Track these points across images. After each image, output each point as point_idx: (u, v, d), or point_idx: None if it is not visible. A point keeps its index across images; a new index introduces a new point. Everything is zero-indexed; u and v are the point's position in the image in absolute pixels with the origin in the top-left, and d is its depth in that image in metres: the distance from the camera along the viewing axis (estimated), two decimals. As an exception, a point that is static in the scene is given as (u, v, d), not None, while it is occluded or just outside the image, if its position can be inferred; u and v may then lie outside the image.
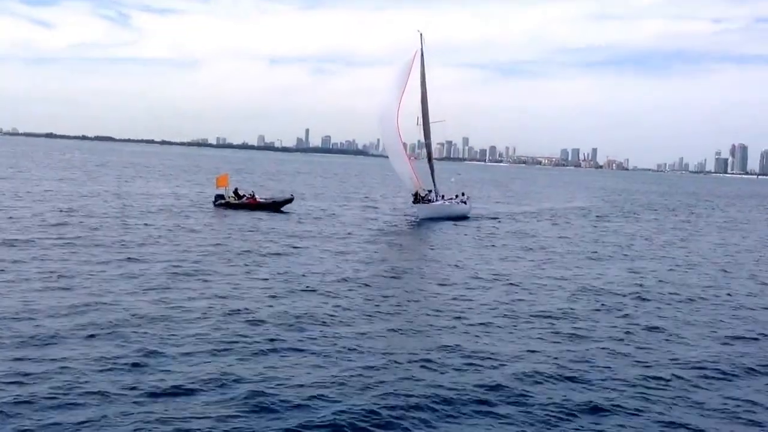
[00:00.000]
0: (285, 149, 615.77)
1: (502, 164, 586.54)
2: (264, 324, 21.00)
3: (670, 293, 28.93)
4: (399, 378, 16.86)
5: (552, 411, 15.38)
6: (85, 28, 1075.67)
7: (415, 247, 43.05)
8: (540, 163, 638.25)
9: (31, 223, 40.17)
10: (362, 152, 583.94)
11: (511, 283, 29.45)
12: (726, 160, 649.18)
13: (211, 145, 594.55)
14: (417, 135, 59.72)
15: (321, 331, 20.63)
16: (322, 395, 15.52)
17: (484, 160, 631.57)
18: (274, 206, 56.03)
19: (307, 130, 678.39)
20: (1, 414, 13.90)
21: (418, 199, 55.08)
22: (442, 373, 17.40)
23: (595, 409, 15.60)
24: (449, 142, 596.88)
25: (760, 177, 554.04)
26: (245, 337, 19.57)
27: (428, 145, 60.87)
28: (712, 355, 20.06)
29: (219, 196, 56.27)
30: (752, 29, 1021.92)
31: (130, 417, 13.97)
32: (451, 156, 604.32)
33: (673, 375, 18.14)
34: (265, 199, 58.29)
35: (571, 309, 25.11)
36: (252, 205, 55.10)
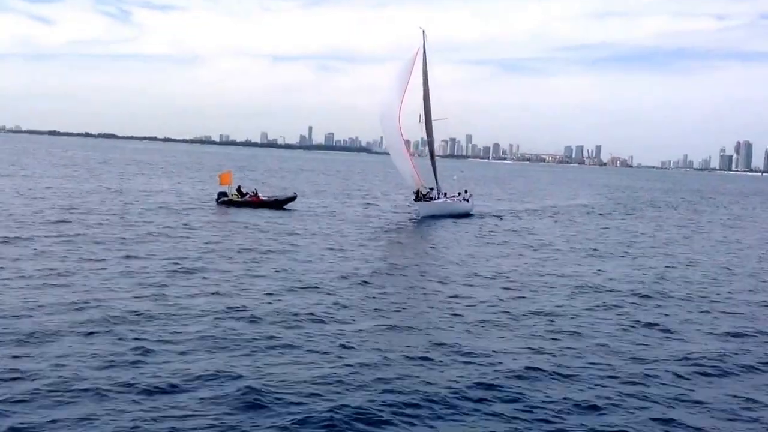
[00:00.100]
0: (288, 146, 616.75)
1: (505, 162, 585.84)
2: (262, 321, 20.97)
3: (671, 291, 28.85)
4: (398, 375, 16.81)
5: (552, 408, 15.33)
6: (86, 25, 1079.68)
7: (416, 244, 43.00)
8: (544, 160, 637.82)
9: (32, 220, 40.20)
10: (365, 150, 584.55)
11: (511, 281, 29.39)
12: (730, 157, 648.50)
13: (214, 143, 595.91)
14: (419, 132, 59.65)
15: (320, 328, 20.60)
16: (320, 392, 15.48)
17: (488, 158, 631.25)
18: (277, 204, 56.03)
19: (310, 128, 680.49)
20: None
21: (419, 197, 54.88)
22: (440, 371, 17.35)
23: (594, 407, 15.54)
24: (452, 140, 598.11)
25: (764, 174, 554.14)
26: (243, 334, 19.53)
27: (430, 143, 60.75)
28: (712, 353, 19.97)
29: (222, 194, 56.28)
30: (756, 26, 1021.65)
31: (127, 414, 13.94)
32: (455, 153, 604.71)
33: (673, 372, 18.09)
34: (268, 197, 58.28)
35: (572, 306, 25.06)
36: (255, 203, 55.13)
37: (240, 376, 16.17)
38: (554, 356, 18.94)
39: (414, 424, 14.32)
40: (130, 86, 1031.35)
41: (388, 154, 59.27)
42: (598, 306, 25.35)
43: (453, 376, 17.00)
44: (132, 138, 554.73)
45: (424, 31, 57.56)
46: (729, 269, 35.80)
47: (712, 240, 50.20)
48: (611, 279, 30.98)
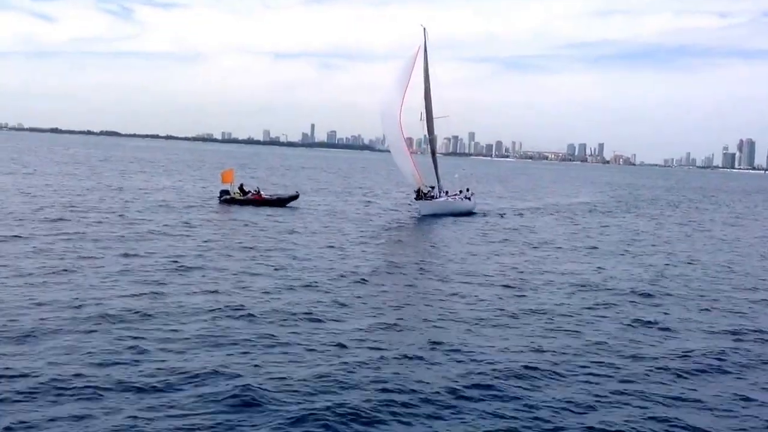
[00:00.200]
0: (290, 144, 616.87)
1: (508, 159, 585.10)
2: (261, 319, 20.96)
3: (671, 289, 28.82)
4: (397, 374, 16.79)
5: (551, 407, 15.32)
6: (88, 22, 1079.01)
7: (416, 242, 42.99)
8: (546, 158, 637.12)
9: (32, 218, 40.22)
10: (368, 147, 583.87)
11: (512, 279, 29.36)
12: (733, 155, 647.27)
13: (216, 140, 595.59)
14: (421, 130, 59.53)
15: (319, 327, 20.59)
16: (318, 391, 15.48)
17: (491, 156, 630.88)
18: (279, 203, 56.00)
19: (313, 125, 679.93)
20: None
21: (420, 195, 54.64)
22: (440, 370, 17.34)
23: (593, 405, 15.56)
24: (455, 138, 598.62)
25: (767, 172, 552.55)
26: (241, 332, 19.53)
27: (431, 141, 60.67)
28: (711, 351, 19.95)
29: (224, 192, 56.23)
30: (759, 23, 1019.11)
31: (124, 412, 13.94)
32: (457, 151, 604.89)
33: (672, 370, 18.09)
34: (270, 195, 58.23)
35: (572, 305, 25.05)
36: (257, 201, 55.08)
37: (237, 375, 16.15)
38: (554, 355, 18.90)
39: (413, 424, 14.29)
40: (132, 84, 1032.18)
41: (390, 152, 59.18)
42: (597, 304, 25.32)
43: (452, 374, 16.97)
44: (134, 136, 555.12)
45: (425, 29, 57.55)
46: (729, 267, 35.72)
47: (713, 238, 50.12)
48: (611, 277, 30.92)
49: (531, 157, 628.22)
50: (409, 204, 60.18)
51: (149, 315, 20.72)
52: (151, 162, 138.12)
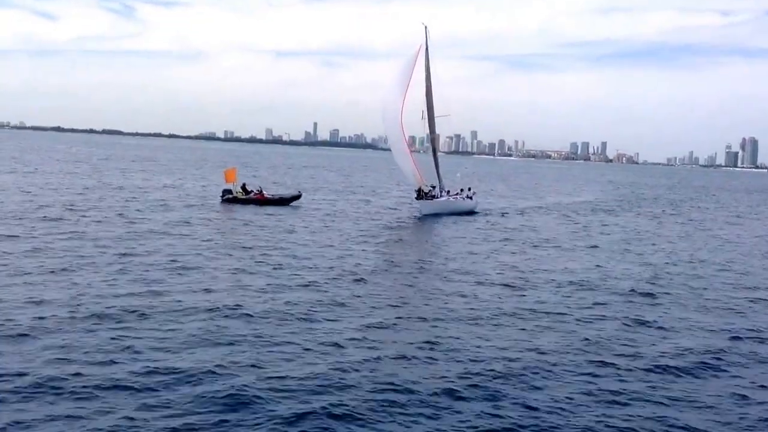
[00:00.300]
0: (293, 143, 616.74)
1: (511, 158, 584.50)
2: (259, 319, 20.98)
3: (670, 288, 28.82)
4: (396, 373, 16.79)
5: (550, 406, 15.36)
6: (90, 21, 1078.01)
7: (416, 242, 43.00)
8: (549, 156, 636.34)
9: (32, 217, 40.23)
10: (371, 146, 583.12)
11: (511, 278, 29.34)
12: (736, 153, 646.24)
13: (219, 139, 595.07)
14: (423, 129, 59.39)
15: (317, 326, 20.59)
16: (316, 390, 15.51)
17: (493, 154, 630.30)
18: (282, 202, 55.95)
19: (315, 124, 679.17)
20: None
21: (421, 195, 54.35)
22: (438, 369, 17.34)
23: (592, 404, 15.58)
24: (457, 136, 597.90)
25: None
26: (239, 331, 19.55)
27: (433, 140, 60.57)
28: (710, 351, 19.98)
29: (226, 191, 56.09)
30: (761, 21, 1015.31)
31: (121, 411, 13.95)
32: (460, 150, 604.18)
33: (670, 369, 18.14)
34: (272, 195, 58.14)
35: (571, 304, 25.04)
36: (259, 200, 55.01)
37: (235, 374, 16.16)
38: (553, 354, 18.91)
39: (412, 423, 14.28)
40: (134, 82, 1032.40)
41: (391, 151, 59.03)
42: (597, 303, 25.34)
43: (452, 374, 16.98)
44: (137, 134, 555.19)
45: (426, 27, 57.28)
46: (730, 267, 35.71)
47: (714, 237, 50.08)
48: (612, 276, 30.93)
49: (534, 156, 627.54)
50: (410, 204, 60.00)
51: (147, 314, 20.71)
52: (153, 161, 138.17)
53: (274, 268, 28.95)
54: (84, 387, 14.98)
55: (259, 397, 14.90)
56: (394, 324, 21.27)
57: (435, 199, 55.10)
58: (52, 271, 25.87)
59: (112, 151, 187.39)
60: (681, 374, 17.92)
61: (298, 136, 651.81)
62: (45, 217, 40.64)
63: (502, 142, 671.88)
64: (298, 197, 57.97)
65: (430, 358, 18.18)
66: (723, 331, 22.40)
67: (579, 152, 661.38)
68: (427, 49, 57.25)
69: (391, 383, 16.09)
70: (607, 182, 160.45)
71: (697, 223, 62.21)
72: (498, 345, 19.54)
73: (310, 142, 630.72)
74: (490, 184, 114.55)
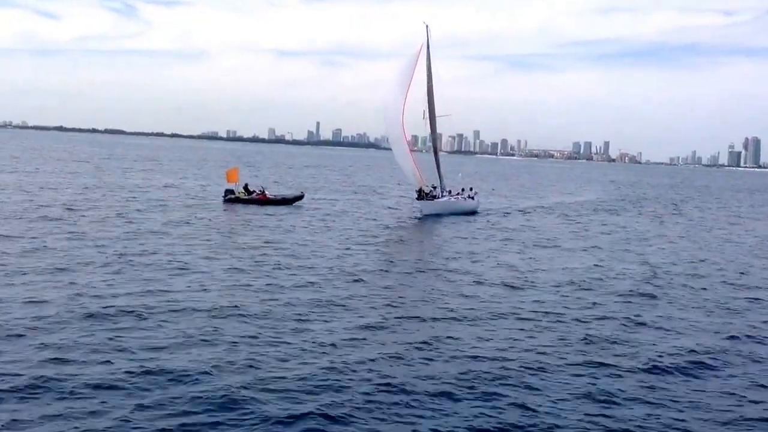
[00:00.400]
0: (296, 142, 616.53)
1: (514, 158, 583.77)
2: (258, 318, 21.00)
3: (669, 288, 28.83)
4: (394, 373, 16.80)
5: (550, 405, 15.39)
6: (92, 20, 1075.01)
7: (416, 242, 43.02)
8: (552, 156, 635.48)
9: (32, 217, 40.30)
10: (373, 145, 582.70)
11: (511, 278, 29.33)
12: (739, 153, 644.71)
13: (221, 138, 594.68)
14: (425, 129, 59.30)
15: (316, 326, 20.58)
16: (313, 390, 15.51)
17: (496, 154, 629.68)
18: (284, 203, 55.86)
19: (318, 123, 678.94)
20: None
21: (422, 195, 54.18)
22: (436, 368, 17.36)
23: (591, 403, 15.65)
24: (460, 136, 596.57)
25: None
26: (237, 331, 19.58)
27: (434, 139, 60.47)
28: (711, 351, 19.98)
29: (229, 191, 56.05)
30: (763, 21, 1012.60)
31: (115, 411, 13.94)
32: (462, 149, 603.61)
33: (669, 369, 18.13)
34: (275, 195, 58.08)
35: (571, 304, 25.04)
36: (262, 201, 54.94)
37: (232, 374, 16.19)
38: (552, 354, 18.93)
39: (410, 423, 14.27)
40: (136, 82, 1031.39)
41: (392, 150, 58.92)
42: (597, 303, 25.35)
43: (450, 373, 16.98)
44: (139, 134, 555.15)
45: (427, 27, 57.13)
46: (730, 267, 35.63)
47: (715, 237, 50.04)
48: (612, 276, 30.93)
49: (537, 156, 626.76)
50: (411, 204, 59.89)
51: (146, 314, 20.71)
52: (155, 160, 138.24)
53: (274, 268, 28.95)
54: (81, 387, 14.98)
55: (256, 398, 14.89)
56: (393, 324, 21.26)
57: (436, 200, 54.93)
58: (52, 271, 25.87)
59: (115, 150, 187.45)
60: (681, 374, 17.92)
61: (301, 136, 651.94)
62: (45, 216, 40.72)
63: (504, 142, 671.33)
64: (300, 198, 57.92)
65: (429, 358, 18.16)
66: (723, 331, 22.37)
67: (582, 152, 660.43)
68: (428, 48, 57.18)
69: (390, 384, 16.07)
70: (609, 182, 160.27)
71: (698, 223, 62.17)
72: (497, 345, 19.52)
73: (313, 141, 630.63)
74: (493, 184, 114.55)
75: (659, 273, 32.26)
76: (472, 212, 57.05)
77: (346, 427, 13.96)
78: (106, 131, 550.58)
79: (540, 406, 15.29)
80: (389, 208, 61.51)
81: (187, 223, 41.86)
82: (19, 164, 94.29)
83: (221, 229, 40.31)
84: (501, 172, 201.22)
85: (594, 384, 16.78)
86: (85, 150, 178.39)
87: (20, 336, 18.16)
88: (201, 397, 14.77)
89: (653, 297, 26.94)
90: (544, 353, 18.94)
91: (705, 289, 29.22)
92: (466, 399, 15.54)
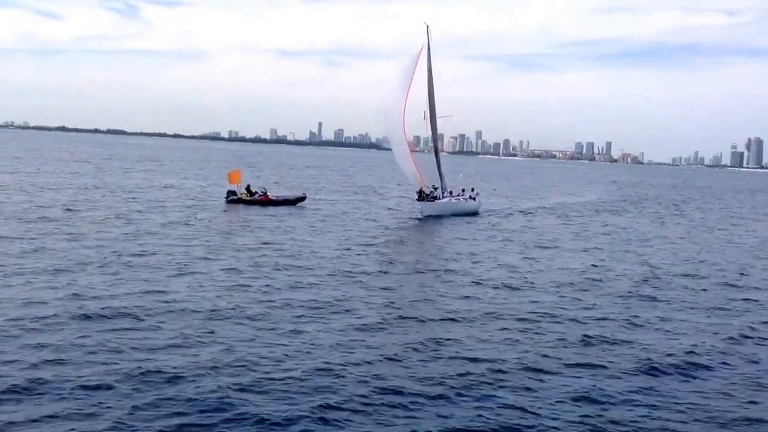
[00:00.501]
0: (298, 143, 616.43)
1: (516, 158, 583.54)
2: (257, 318, 21.02)
3: (671, 289, 28.80)
4: (392, 373, 16.82)
5: (549, 405, 15.43)
6: (93, 20, 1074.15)
7: (416, 242, 43.09)
8: (554, 156, 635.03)
9: (33, 217, 40.31)
10: (375, 146, 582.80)
11: (511, 279, 29.33)
12: (742, 153, 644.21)
13: (223, 139, 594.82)
14: (426, 129, 59.15)
15: (315, 326, 20.58)
16: (309, 389, 15.54)
17: (498, 154, 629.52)
18: (286, 204, 55.82)
19: (320, 124, 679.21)
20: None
21: (422, 196, 53.90)
22: (435, 368, 17.37)
23: (589, 403, 15.68)
24: (462, 136, 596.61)
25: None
26: (236, 331, 19.62)
27: (435, 140, 60.35)
28: (710, 350, 20.01)
29: (231, 193, 56.00)
30: (765, 21, 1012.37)
31: (112, 411, 13.94)
32: (465, 150, 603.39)
33: (669, 369, 18.19)
34: (277, 196, 58.04)
35: (571, 304, 25.05)
36: (264, 202, 54.90)
37: (231, 374, 16.20)
38: (552, 354, 18.94)
39: (411, 424, 14.27)
40: (137, 82, 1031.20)
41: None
42: (597, 304, 25.35)
43: (448, 374, 16.97)
44: (141, 134, 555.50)
45: (428, 27, 56.95)
46: (730, 268, 35.59)
47: (716, 238, 50.02)
48: (612, 277, 30.90)
49: (539, 156, 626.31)
50: (412, 204, 59.76)
51: (144, 315, 20.71)
52: (156, 161, 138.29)
53: (273, 269, 28.97)
54: (78, 388, 14.97)
55: (254, 399, 14.90)
56: (392, 325, 21.25)
57: (437, 201, 54.71)
58: (51, 272, 25.86)
59: (116, 150, 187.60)
60: (680, 375, 17.92)
61: (303, 136, 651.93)
62: (45, 216, 40.76)
63: (507, 142, 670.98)
64: (302, 199, 57.91)
65: (428, 359, 18.16)
66: (722, 332, 22.34)
67: (584, 152, 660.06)
68: (429, 49, 57.04)
69: (388, 385, 16.06)
70: (610, 182, 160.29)
71: (698, 223, 62.13)
72: (497, 346, 19.53)
73: (315, 142, 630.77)
74: (494, 185, 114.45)
75: (659, 274, 32.24)
76: (474, 213, 56.87)
77: (345, 429, 13.93)
78: (108, 132, 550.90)
79: (540, 407, 15.27)
80: (390, 208, 61.47)
81: (188, 224, 41.85)
82: (20, 165, 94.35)
83: (222, 230, 40.33)
84: (503, 172, 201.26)
85: (594, 385, 16.75)
86: (87, 150, 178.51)
87: (18, 336, 18.16)
88: (198, 399, 14.75)
89: (653, 298, 26.91)
90: (543, 354, 18.93)
91: (705, 290, 29.20)
92: (466, 400, 15.52)
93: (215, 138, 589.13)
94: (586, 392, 16.25)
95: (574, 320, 22.79)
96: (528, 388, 16.37)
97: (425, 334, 20.41)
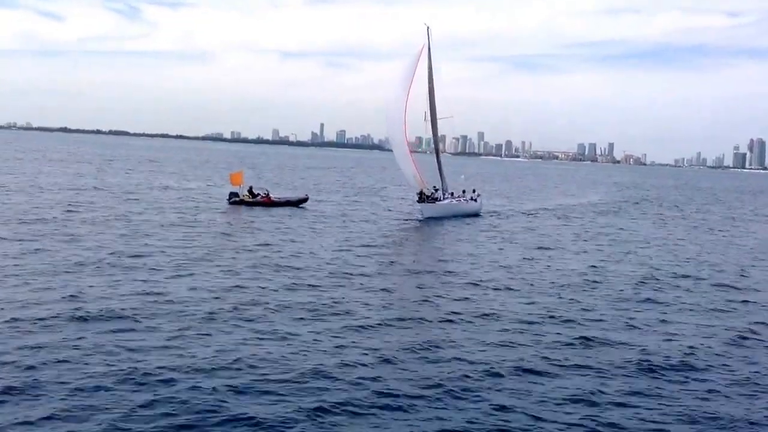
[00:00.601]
0: (300, 143, 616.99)
1: (518, 159, 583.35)
2: (255, 319, 21.05)
3: (671, 290, 28.78)
4: (391, 373, 16.85)
5: (548, 405, 15.46)
6: (95, 21, 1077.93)
7: (416, 243, 43.12)
8: (557, 157, 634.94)
9: (33, 217, 40.30)
10: (377, 147, 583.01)
11: (511, 280, 29.31)
12: (744, 155, 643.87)
13: (225, 140, 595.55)
14: (427, 130, 59.06)
15: (314, 326, 20.61)
16: (311, 388, 15.61)
17: (500, 155, 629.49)
18: (288, 206, 55.78)
19: (322, 125, 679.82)
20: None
21: (423, 198, 53.71)
22: (434, 369, 17.37)
23: (588, 402, 15.73)
24: (464, 137, 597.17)
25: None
26: (235, 331, 19.66)
27: (436, 141, 60.30)
28: (710, 350, 20.01)
29: (233, 194, 55.99)
30: (767, 22, 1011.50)
31: (110, 410, 13.96)
32: (467, 151, 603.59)
33: (668, 369, 18.20)
34: (279, 198, 58.02)
35: (571, 305, 25.07)
36: (266, 203, 54.89)
37: (230, 374, 16.22)
38: (552, 354, 18.93)
39: (410, 424, 14.30)
40: (139, 83, 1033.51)
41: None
42: (597, 305, 25.35)
43: (448, 375, 17.00)
44: (144, 135, 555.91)
45: (428, 28, 56.85)
46: (731, 268, 35.54)
47: (717, 239, 50.01)
48: (612, 278, 30.87)
49: (541, 157, 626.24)
50: (412, 205, 59.70)
51: (143, 315, 20.72)
52: (158, 162, 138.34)
53: (273, 270, 28.97)
54: (75, 389, 14.99)
55: (251, 400, 14.92)
56: (391, 326, 21.23)
57: (437, 202, 54.58)
58: (49, 273, 25.85)
59: (119, 152, 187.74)
60: (680, 376, 17.92)
61: (305, 137, 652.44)
62: (46, 217, 40.76)
63: (509, 143, 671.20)
64: (305, 200, 57.90)
65: (426, 360, 18.15)
66: (722, 333, 22.34)
67: (586, 153, 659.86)
68: (429, 49, 56.97)
69: (386, 386, 16.06)
70: (612, 183, 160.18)
71: (699, 224, 62.05)
72: (496, 347, 19.53)
73: (317, 143, 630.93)
74: (496, 186, 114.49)
75: (659, 275, 32.20)
76: (475, 214, 56.78)
77: (343, 431, 13.93)
78: (111, 132, 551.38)
79: (540, 409, 15.26)
80: (390, 210, 61.43)
81: (188, 225, 41.84)
82: (21, 165, 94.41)
83: (222, 232, 40.30)
84: (505, 173, 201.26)
85: (593, 387, 16.75)
86: (89, 151, 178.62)
87: (15, 337, 18.16)
88: (196, 400, 14.75)
89: (653, 299, 26.86)
90: (542, 356, 18.91)
91: (705, 291, 29.18)
92: (464, 402, 15.52)
93: (217, 139, 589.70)
94: (586, 394, 16.24)
95: (574, 321, 22.78)
96: (527, 390, 16.37)
97: (424, 335, 20.39)
